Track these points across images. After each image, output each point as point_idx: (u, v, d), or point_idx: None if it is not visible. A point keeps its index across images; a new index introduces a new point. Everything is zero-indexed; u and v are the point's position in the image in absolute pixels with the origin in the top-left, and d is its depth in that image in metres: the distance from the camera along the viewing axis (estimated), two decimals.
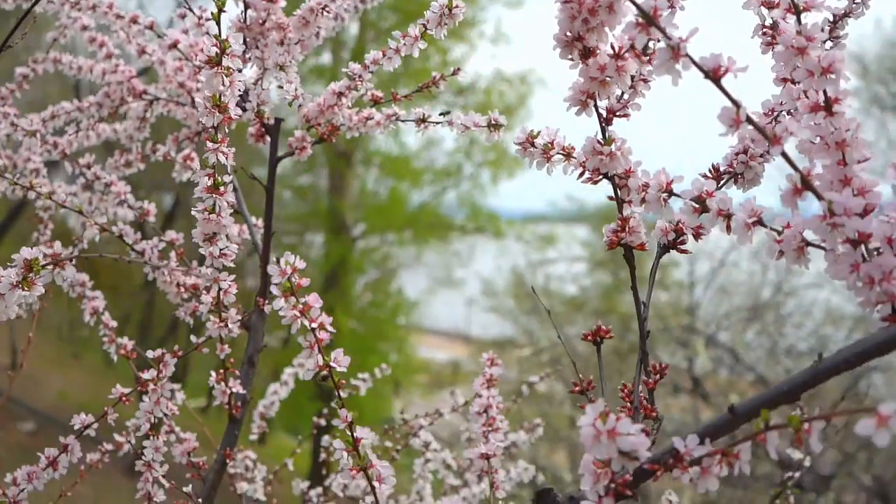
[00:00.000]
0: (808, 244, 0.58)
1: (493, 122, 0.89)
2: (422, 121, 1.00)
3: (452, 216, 12.44)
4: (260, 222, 1.21)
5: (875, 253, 0.55)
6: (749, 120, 0.54)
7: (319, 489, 1.55)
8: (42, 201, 1.29)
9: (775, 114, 0.74)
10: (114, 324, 1.16)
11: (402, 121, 1.02)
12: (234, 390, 1.03)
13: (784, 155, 0.54)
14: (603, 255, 11.03)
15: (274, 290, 0.66)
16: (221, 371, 1.02)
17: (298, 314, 0.66)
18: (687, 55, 0.53)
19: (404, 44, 0.94)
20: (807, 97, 0.60)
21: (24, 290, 0.72)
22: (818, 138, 0.58)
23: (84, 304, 1.19)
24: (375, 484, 0.69)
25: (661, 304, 9.24)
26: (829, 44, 0.76)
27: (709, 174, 0.74)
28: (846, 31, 0.77)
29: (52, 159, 1.40)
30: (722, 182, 0.74)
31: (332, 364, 0.67)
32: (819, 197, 0.54)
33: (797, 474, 1.15)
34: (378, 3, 1.16)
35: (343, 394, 0.71)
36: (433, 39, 0.95)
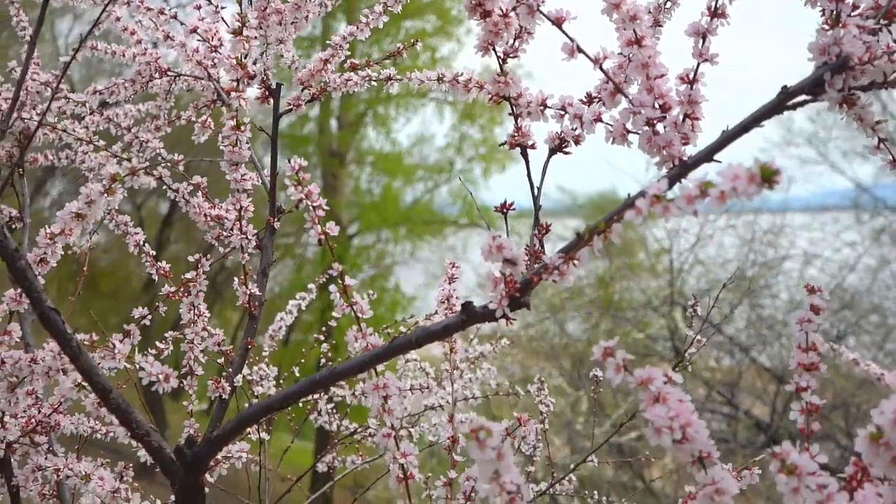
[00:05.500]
0: (629, 131, 0.90)
1: (440, 76, 1.20)
2: (388, 79, 1.32)
3: (445, 211, 12.75)
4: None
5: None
6: (579, 49, 0.85)
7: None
8: (86, 159, 1.60)
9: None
10: (153, 252, 1.47)
11: (375, 80, 1.34)
12: (252, 292, 1.35)
13: (602, 70, 0.86)
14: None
15: (287, 181, 0.97)
16: (243, 276, 1.34)
17: (304, 197, 0.98)
18: (539, 10, 0.85)
19: (372, 18, 1.27)
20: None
21: (109, 195, 1.03)
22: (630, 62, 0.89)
23: (128, 239, 1.50)
24: (359, 314, 1.01)
25: (651, 290, 9.57)
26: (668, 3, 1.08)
27: (584, 99, 1.05)
28: None
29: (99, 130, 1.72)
30: (594, 104, 1.05)
31: (327, 230, 0.99)
32: (625, 96, 0.86)
33: (694, 350, 1.46)
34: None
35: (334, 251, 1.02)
36: (423, 37, 1.25)
